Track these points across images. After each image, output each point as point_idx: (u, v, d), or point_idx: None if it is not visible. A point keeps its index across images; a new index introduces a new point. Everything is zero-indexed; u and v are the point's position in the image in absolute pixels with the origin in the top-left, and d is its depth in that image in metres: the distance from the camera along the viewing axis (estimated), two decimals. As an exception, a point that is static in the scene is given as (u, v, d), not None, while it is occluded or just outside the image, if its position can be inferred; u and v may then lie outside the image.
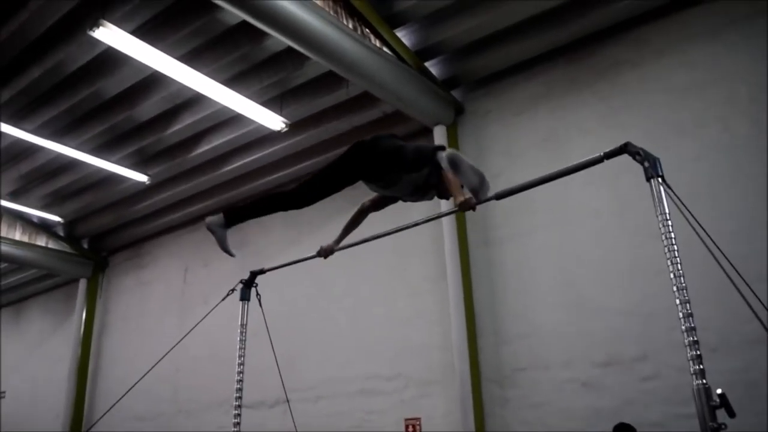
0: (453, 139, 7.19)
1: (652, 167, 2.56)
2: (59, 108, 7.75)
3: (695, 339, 2.24)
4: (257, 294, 4.34)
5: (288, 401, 5.67)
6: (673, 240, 2.41)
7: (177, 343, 4.79)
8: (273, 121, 7.18)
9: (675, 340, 5.25)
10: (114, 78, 7.02)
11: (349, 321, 7.79)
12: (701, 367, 2.20)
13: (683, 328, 2.26)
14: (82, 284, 12.16)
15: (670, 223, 2.45)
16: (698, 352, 2.21)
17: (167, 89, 7.15)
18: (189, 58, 6.48)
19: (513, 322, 6.40)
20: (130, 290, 11.72)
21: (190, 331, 4.64)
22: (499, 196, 3.35)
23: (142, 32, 6.07)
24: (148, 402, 10.09)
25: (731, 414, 2.10)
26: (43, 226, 11.66)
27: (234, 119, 7.80)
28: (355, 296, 7.84)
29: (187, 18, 6.11)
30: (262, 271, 4.38)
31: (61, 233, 11.90)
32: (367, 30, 6.31)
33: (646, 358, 5.45)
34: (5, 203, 10.50)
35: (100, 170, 9.20)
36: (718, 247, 2.54)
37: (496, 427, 6.18)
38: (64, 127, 8.30)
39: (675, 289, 2.33)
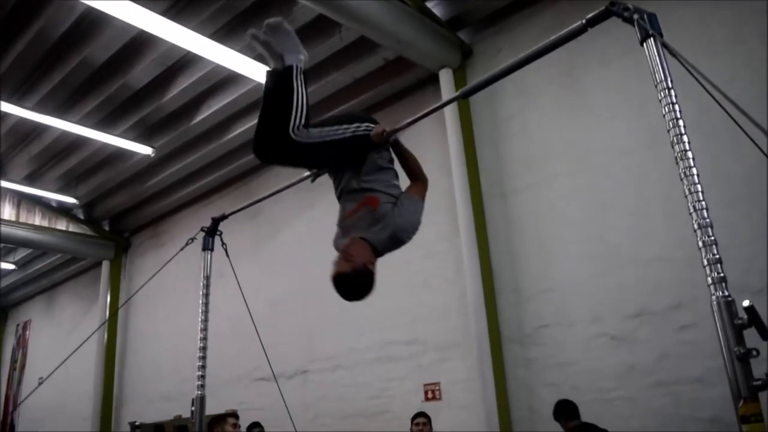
0: (461, 83, 6.63)
1: (646, 24, 2.00)
2: (53, 81, 7.52)
3: (712, 237, 1.71)
4: (222, 243, 3.94)
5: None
6: (678, 114, 1.88)
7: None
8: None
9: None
10: (100, 42, 6.71)
11: (363, 288, 7.37)
12: (721, 273, 1.66)
13: (694, 225, 1.74)
14: (105, 266, 12.08)
15: (673, 93, 1.91)
16: (716, 255, 1.69)
17: (156, 50, 6.81)
18: (171, 14, 6.08)
19: (534, 277, 5.88)
20: (151, 269, 11.50)
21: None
22: (465, 94, 2.82)
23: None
24: (174, 382, 9.96)
25: (764, 335, 1.56)
26: (62, 210, 11.59)
27: (229, 79, 7.42)
28: (370, 262, 7.41)
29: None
30: (223, 217, 4.02)
31: (81, 216, 11.80)
32: (359, -32, 5.80)
33: (682, 306, 4.86)
34: (21, 187, 10.43)
35: (105, 146, 8.99)
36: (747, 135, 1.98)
37: (519, 390, 5.71)
38: (62, 102, 8.09)
39: (682, 174, 1.81)
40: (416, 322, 6.72)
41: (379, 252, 2.65)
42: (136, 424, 9.66)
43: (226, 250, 3.94)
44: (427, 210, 6.74)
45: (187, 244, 3.83)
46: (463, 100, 6.58)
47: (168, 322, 10.40)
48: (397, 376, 6.74)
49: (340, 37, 6.39)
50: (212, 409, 8.93)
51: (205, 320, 3.76)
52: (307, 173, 3.35)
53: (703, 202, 1.75)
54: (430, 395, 6.38)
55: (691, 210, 1.76)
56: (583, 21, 2.25)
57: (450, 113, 6.49)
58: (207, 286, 3.80)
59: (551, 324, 5.63)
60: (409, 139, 6.86)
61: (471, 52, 6.77)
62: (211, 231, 3.88)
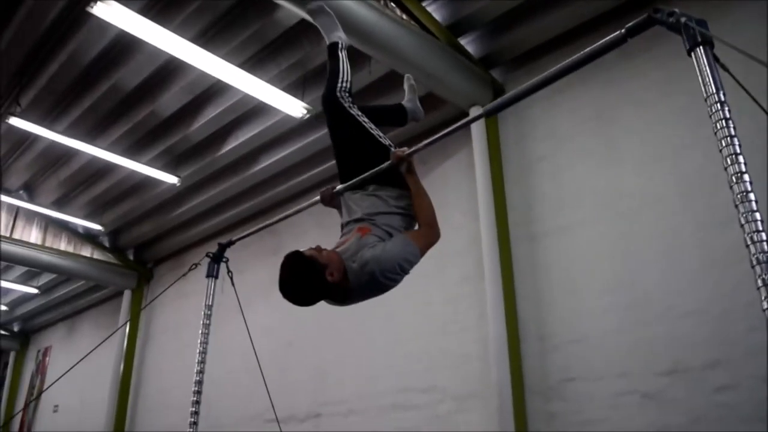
0: (492, 124, 6.47)
1: (695, 30, 1.78)
2: (83, 106, 7.58)
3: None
4: (228, 271, 3.73)
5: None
6: (733, 131, 1.64)
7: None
8: (294, 107, 6.65)
9: (756, 342, 4.34)
10: (130, 68, 6.72)
11: (381, 330, 7.09)
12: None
13: (753, 261, 1.48)
14: (127, 296, 12.01)
15: (727, 109, 1.68)
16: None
17: (185, 78, 6.80)
18: (200, 41, 6.08)
19: (561, 326, 5.55)
20: (171, 302, 11.40)
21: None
22: (490, 112, 2.61)
23: (148, 12, 5.72)
24: (184, 416, 9.67)
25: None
26: (88, 237, 11.62)
27: (257, 110, 7.37)
28: (388, 304, 7.03)
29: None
30: (230, 243, 3.79)
31: (106, 244, 11.81)
32: (391, 3, 5.74)
33: (720, 364, 4.49)
34: (49, 212, 10.49)
35: (132, 174, 8.99)
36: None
37: (540, 447, 5.33)
38: (92, 128, 8.15)
39: (737, 200, 1.56)
40: (434, 368, 6.40)
41: (349, 282, 2.44)
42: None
43: (231, 279, 3.74)
44: (452, 251, 6.58)
45: (190, 270, 3.65)
46: (493, 142, 6.43)
47: (183, 356, 10.18)
48: (413, 426, 6.39)
49: (369, 70, 6.30)
50: (220, 449, 8.68)
51: (203, 352, 3.55)
52: (317, 198, 3.18)
53: (763, 234, 1.49)
54: (445, 447, 6.01)
55: (749, 242, 1.50)
56: (623, 30, 2.04)
57: (479, 153, 6.31)
58: (209, 316, 3.60)
59: (577, 377, 5.27)
60: (436, 179, 6.71)
61: (503, 91, 6.60)
62: (216, 257, 3.67)
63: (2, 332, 16.54)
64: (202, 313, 3.64)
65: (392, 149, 2.81)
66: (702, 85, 1.74)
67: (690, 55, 1.80)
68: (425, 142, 2.82)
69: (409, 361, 6.63)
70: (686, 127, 5.05)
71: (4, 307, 15.14)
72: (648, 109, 5.41)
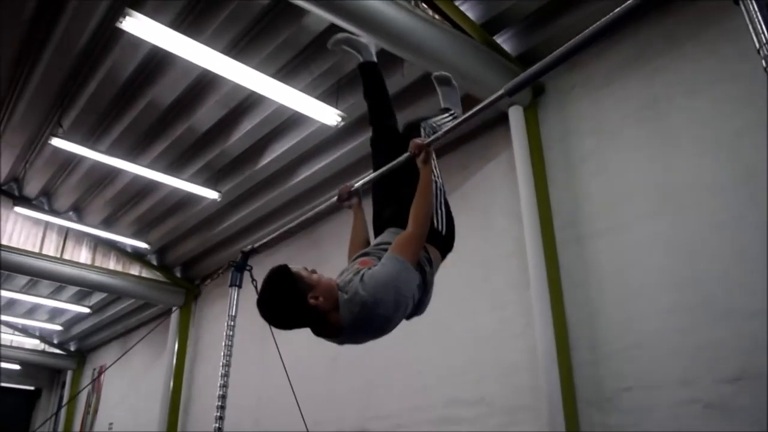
0: (533, 122, 6.20)
1: None
2: (123, 124, 7.68)
3: None
4: (252, 280, 3.58)
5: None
6: None
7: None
8: (329, 116, 6.53)
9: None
10: (165, 83, 6.77)
11: (427, 342, 6.85)
12: None
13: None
14: (175, 314, 12.10)
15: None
16: None
17: (219, 91, 6.79)
18: (232, 52, 6.06)
19: (615, 332, 5.21)
20: (218, 319, 11.44)
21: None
22: (511, 91, 2.41)
23: (179, 26, 5.72)
24: (232, 432, 9.64)
25: None
26: (136, 255, 11.77)
27: (292, 121, 7.30)
28: (433, 314, 6.78)
29: (220, 5, 5.67)
30: (253, 250, 3.66)
31: (154, 262, 11.95)
32: (422, 3, 5.58)
33: (792, 370, 4.11)
34: (97, 232, 10.67)
35: (175, 191, 9.05)
36: None
37: (597, 462, 5.00)
38: (133, 146, 8.25)
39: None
40: (482, 380, 6.13)
41: (340, 316, 2.20)
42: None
43: (255, 287, 3.58)
44: (497, 257, 6.32)
45: (212, 279, 3.51)
46: (534, 141, 6.16)
47: (232, 372, 10.16)
48: (461, 440, 6.13)
49: (402, 73, 6.13)
50: (269, 467, 8.57)
51: (227, 365, 3.42)
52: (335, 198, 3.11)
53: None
54: (496, 463, 5.73)
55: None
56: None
57: (520, 153, 6.05)
58: (232, 327, 3.46)
59: (634, 386, 4.92)
60: (478, 183, 6.47)
61: (543, 90, 6.34)
62: (240, 266, 3.53)
63: (60, 352, 16.95)
64: (226, 324, 3.50)
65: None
66: (753, 34, 1.49)
67: (737, 3, 1.56)
68: (443, 129, 2.66)
69: (456, 372, 6.38)
70: (743, 113, 4.70)
71: (59, 327, 15.50)
72: (701, 97, 5.06)
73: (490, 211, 6.60)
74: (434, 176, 2.76)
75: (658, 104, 5.38)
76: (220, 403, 3.35)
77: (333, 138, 7.42)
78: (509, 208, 6.30)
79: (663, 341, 4.85)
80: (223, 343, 3.42)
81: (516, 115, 6.15)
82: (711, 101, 4.98)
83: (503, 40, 6.16)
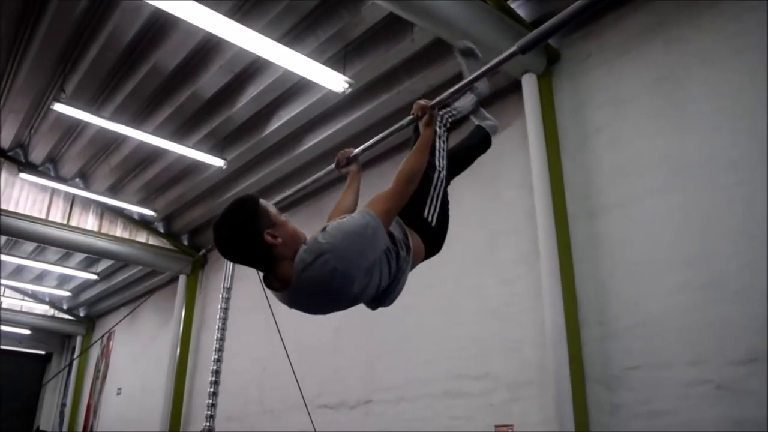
0: (546, 91, 6.00)
1: None
2: (126, 90, 7.54)
3: None
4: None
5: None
6: None
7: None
8: (336, 82, 6.34)
9: None
10: (168, 48, 6.60)
11: (432, 314, 6.76)
12: None
13: None
14: (182, 281, 12.09)
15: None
16: None
17: (224, 56, 6.61)
18: (236, 15, 5.87)
19: (624, 308, 5.08)
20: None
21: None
22: (524, 48, 2.25)
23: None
24: (237, 402, 9.68)
25: None
26: (143, 223, 11.72)
27: (300, 87, 7.12)
28: (439, 287, 6.73)
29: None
30: None
31: (161, 229, 11.89)
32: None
33: (808, 351, 3.98)
34: (103, 199, 10.60)
35: (181, 158, 8.92)
36: None
37: (603, 440, 4.91)
38: (137, 112, 8.12)
39: None
40: (488, 354, 6.04)
41: (293, 270, 1.98)
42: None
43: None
44: (506, 229, 6.16)
45: (209, 251, 3.39)
46: (548, 111, 5.97)
47: (236, 341, 10.14)
48: (465, 415, 6.06)
49: (412, 38, 5.92)
50: (276, 434, 8.60)
51: (221, 339, 3.32)
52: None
53: None
54: (501, 438, 5.67)
55: None
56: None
57: (532, 123, 5.86)
58: (227, 300, 3.35)
59: (643, 365, 4.81)
60: (487, 153, 6.28)
61: (558, 57, 6.12)
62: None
63: (69, 317, 17.08)
64: (220, 295, 3.40)
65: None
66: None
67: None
68: (450, 90, 2.50)
69: (461, 346, 6.29)
70: (763, 85, 4.49)
71: (68, 293, 15.57)
72: (720, 68, 4.84)
73: (499, 181, 6.44)
74: (438, 161, 2.64)
75: (675, 75, 5.16)
76: (214, 378, 3.25)
77: (340, 105, 7.24)
78: (519, 179, 6.14)
79: (673, 319, 4.72)
80: (218, 316, 3.31)
81: (529, 83, 5.94)
82: (730, 73, 4.77)
83: (517, 5, 5.94)
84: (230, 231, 2.01)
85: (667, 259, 4.86)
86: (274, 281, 2.08)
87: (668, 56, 5.23)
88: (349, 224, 1.98)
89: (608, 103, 5.59)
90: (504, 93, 6.49)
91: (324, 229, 2.00)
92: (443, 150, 2.69)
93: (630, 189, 5.25)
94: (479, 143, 3.19)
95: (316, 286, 1.97)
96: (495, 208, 6.39)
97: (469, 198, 6.66)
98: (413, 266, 2.39)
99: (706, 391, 4.39)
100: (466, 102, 3.14)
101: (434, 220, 2.50)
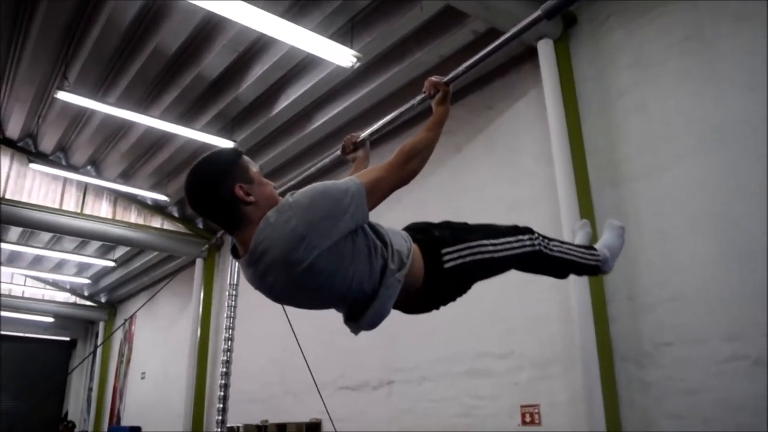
0: (564, 57, 5.72)
1: None
2: (130, 74, 7.37)
3: None
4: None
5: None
6: None
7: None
8: (343, 56, 6.08)
9: None
10: (168, 28, 6.39)
11: (454, 291, 6.57)
12: None
13: None
14: (199, 264, 12.01)
15: None
16: None
17: (226, 34, 6.38)
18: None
19: (654, 282, 4.85)
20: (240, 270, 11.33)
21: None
22: (549, 14, 2.01)
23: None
24: (259, 384, 9.65)
25: None
26: (157, 208, 11.62)
27: (305, 64, 6.87)
28: (461, 262, 6.56)
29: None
30: None
31: (175, 213, 11.79)
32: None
33: None
34: (116, 186, 10.50)
35: (190, 142, 8.74)
36: None
37: (633, 419, 4.72)
38: (142, 97, 7.95)
39: None
40: (512, 332, 5.86)
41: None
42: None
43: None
44: (526, 201, 5.91)
45: (222, 235, 3.22)
46: (566, 77, 5.69)
47: (255, 324, 10.08)
48: (489, 394, 5.91)
49: (420, 6, 5.65)
50: (298, 416, 8.55)
51: (231, 327, 3.14)
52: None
53: None
54: (528, 419, 5.50)
55: None
56: None
57: (551, 91, 5.59)
58: (235, 285, 3.19)
59: (675, 341, 4.60)
60: (505, 124, 6.03)
61: (575, 20, 5.81)
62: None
63: (91, 304, 17.18)
64: (227, 282, 3.24)
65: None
66: None
67: None
68: (465, 65, 2.27)
69: (484, 324, 6.11)
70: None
71: (87, 281, 15.63)
72: (752, 23, 4.52)
73: (517, 153, 6.20)
74: (550, 247, 2.30)
75: (703, 33, 4.85)
76: (225, 358, 3.09)
77: (349, 81, 7.01)
78: (539, 149, 5.89)
79: (707, 292, 4.49)
80: (226, 304, 3.16)
81: (545, 49, 5.65)
82: (764, 27, 4.45)
83: (530, -34, 5.62)
84: (200, 177, 1.81)
85: (699, 229, 4.62)
86: (240, 248, 1.83)
87: (696, 13, 4.91)
88: (326, 185, 1.75)
89: (631, 66, 5.30)
90: (518, 61, 6.22)
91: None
92: (562, 251, 2.38)
93: (658, 155, 4.98)
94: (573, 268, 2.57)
95: (272, 253, 1.69)
96: (515, 181, 6.15)
97: (487, 171, 6.44)
98: (402, 299, 1.96)
99: (742, 368, 4.18)
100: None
101: (451, 264, 2.04)
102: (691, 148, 4.76)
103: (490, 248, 2.11)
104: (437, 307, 2.18)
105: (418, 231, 2.09)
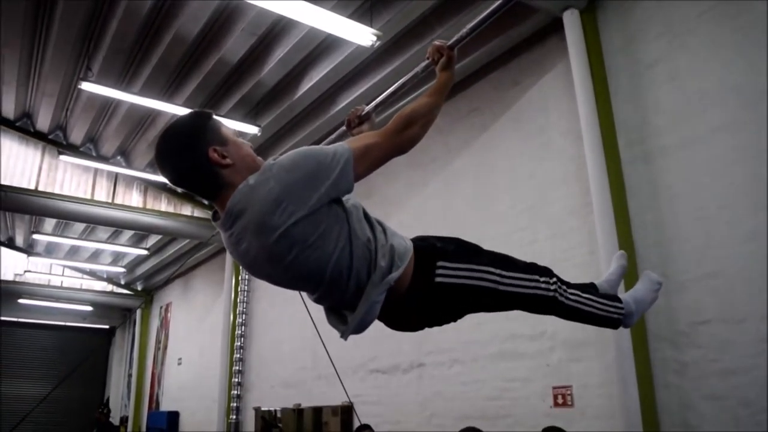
0: (591, 28, 5.51)
1: None
2: (152, 63, 7.39)
3: None
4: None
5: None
6: None
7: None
8: (363, 36, 5.96)
9: None
10: (187, 13, 6.36)
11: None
12: None
13: None
14: (230, 251, 12.07)
15: None
16: None
17: (245, 18, 6.33)
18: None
19: (690, 259, 4.67)
20: (271, 255, 11.36)
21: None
22: None
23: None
24: (292, 368, 9.71)
25: None
26: (187, 195, 11.70)
27: (326, 45, 6.79)
28: (490, 242, 6.37)
29: None
30: None
31: (206, 201, 11.83)
32: None
33: None
34: (145, 175, 10.58)
35: (215, 129, 8.74)
36: None
37: (670, 400, 4.57)
38: (166, 85, 7.98)
39: None
40: (543, 312, 5.72)
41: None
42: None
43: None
44: (555, 180, 5.75)
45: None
46: (594, 49, 5.48)
47: (286, 308, 10.11)
48: (521, 376, 5.81)
49: (439, -19, 5.51)
50: (329, 399, 8.57)
51: (244, 313, 3.07)
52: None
53: None
54: (560, 400, 5.39)
55: None
56: None
57: (578, 64, 5.40)
58: (247, 281, 3.12)
59: (713, 319, 4.42)
60: (532, 100, 5.85)
61: (601, -11, 5.60)
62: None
63: (127, 292, 17.50)
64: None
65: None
66: None
67: None
68: (469, 26, 2.16)
69: (514, 305, 5.99)
70: None
71: (122, 269, 15.89)
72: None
73: (546, 130, 6.03)
74: (566, 295, 2.10)
75: (739, -5, 4.61)
76: (239, 343, 3.01)
77: (372, 60, 6.89)
78: (567, 125, 5.72)
79: (745, 269, 4.30)
80: (240, 288, 3.10)
81: (572, 21, 5.46)
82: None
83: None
84: (170, 144, 1.67)
85: (736, 203, 4.42)
86: (221, 215, 1.70)
87: (730, -24, 4.67)
88: (312, 147, 1.65)
89: (663, 36, 5.07)
90: (543, 34, 6.02)
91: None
92: (580, 302, 2.17)
93: (693, 128, 4.77)
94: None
95: (247, 215, 1.59)
96: (543, 158, 5.99)
97: (516, 150, 6.29)
98: (384, 302, 1.78)
99: (784, 347, 4.00)
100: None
101: (443, 280, 1.84)
102: (728, 119, 4.54)
103: (497, 278, 1.92)
104: (420, 327, 2.03)
105: (421, 240, 1.94)
